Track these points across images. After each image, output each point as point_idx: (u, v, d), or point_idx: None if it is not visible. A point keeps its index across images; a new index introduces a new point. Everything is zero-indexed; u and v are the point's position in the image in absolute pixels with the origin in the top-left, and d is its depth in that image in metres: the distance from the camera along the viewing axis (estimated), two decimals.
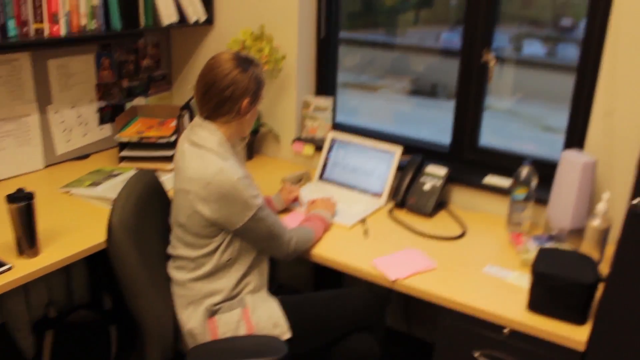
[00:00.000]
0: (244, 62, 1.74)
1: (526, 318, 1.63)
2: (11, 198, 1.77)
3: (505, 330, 1.66)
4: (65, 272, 2.52)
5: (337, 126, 2.74)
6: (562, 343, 1.57)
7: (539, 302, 1.64)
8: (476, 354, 1.73)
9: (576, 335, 1.56)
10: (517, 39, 2.46)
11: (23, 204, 1.76)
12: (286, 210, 2.24)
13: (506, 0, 2.32)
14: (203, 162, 1.69)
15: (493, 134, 2.49)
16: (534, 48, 2.51)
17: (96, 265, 2.65)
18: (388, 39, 2.93)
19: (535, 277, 1.63)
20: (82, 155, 2.69)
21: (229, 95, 1.71)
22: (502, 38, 2.45)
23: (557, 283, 1.58)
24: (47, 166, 2.57)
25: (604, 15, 1.97)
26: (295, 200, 2.26)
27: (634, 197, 1.38)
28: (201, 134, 1.73)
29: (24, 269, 1.75)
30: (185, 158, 1.73)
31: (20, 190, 1.79)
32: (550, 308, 1.62)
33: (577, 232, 2.00)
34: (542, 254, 1.70)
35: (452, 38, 2.33)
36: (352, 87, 3.05)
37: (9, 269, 1.74)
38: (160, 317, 1.67)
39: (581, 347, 1.55)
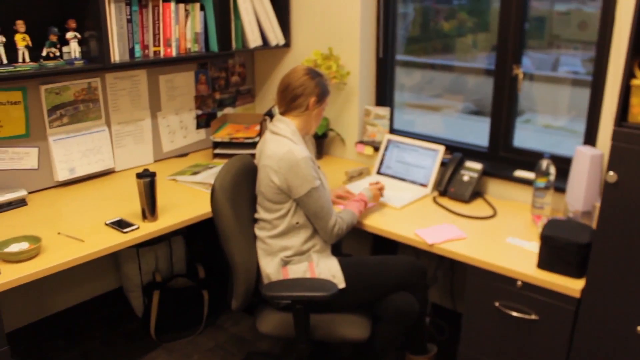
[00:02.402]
0: (313, 72, 2.30)
1: (535, 273, 2.03)
2: (140, 175, 2.34)
3: (519, 283, 2.08)
4: (168, 246, 3.08)
5: (392, 132, 3.21)
6: (562, 292, 1.98)
7: (545, 260, 2.05)
8: (497, 304, 2.15)
9: (573, 285, 1.96)
10: (590, 61, 2.62)
11: (148, 180, 2.34)
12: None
13: (562, 25, 2.66)
14: (278, 144, 2.21)
15: (550, 149, 2.73)
16: None
17: (193, 242, 3.20)
18: (446, 62, 3.21)
19: (542, 239, 2.04)
20: (182, 154, 3.29)
21: (300, 93, 2.26)
22: (574, 61, 2.71)
23: (558, 243, 1.99)
24: (155, 161, 3.17)
25: (609, 37, 2.36)
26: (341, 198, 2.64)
27: (607, 171, 1.78)
28: (279, 125, 2.26)
29: (147, 229, 2.31)
30: (266, 143, 2.27)
31: (146, 170, 2.37)
32: (554, 265, 2.02)
33: (589, 214, 2.39)
34: (550, 223, 2.11)
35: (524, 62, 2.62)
36: (413, 106, 3.33)
37: (137, 228, 2.31)
38: (246, 259, 2.19)
39: (577, 294, 1.95)
